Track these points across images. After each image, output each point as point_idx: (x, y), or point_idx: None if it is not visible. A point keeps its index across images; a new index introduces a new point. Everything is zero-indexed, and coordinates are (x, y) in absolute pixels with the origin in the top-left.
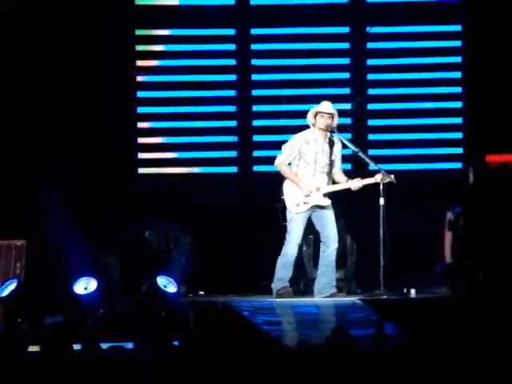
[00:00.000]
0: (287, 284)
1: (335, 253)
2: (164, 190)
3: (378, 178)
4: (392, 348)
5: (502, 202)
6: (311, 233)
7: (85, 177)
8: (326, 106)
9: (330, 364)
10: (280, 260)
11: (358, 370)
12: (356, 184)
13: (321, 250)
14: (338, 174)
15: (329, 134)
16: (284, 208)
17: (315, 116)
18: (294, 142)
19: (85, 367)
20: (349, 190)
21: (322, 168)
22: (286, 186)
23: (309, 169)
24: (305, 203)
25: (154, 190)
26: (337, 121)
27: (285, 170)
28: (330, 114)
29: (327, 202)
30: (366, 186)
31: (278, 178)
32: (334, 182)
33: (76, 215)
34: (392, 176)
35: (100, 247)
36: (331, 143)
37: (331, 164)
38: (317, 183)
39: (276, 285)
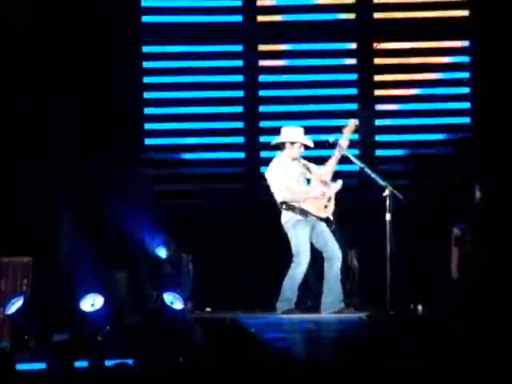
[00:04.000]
0: (293, 306)
1: (339, 267)
2: (170, 204)
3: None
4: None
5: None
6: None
7: (93, 193)
8: (303, 135)
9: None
10: (287, 282)
11: None
12: (344, 145)
13: (325, 265)
14: (324, 167)
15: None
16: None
17: (292, 143)
18: (279, 171)
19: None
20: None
21: (305, 183)
22: (304, 204)
23: (301, 186)
24: (329, 200)
25: (161, 205)
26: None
27: (292, 197)
28: (302, 144)
29: (339, 182)
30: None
31: None
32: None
33: (83, 232)
34: (401, 196)
35: (107, 264)
36: (303, 165)
37: (310, 175)
38: (320, 182)
39: (282, 305)
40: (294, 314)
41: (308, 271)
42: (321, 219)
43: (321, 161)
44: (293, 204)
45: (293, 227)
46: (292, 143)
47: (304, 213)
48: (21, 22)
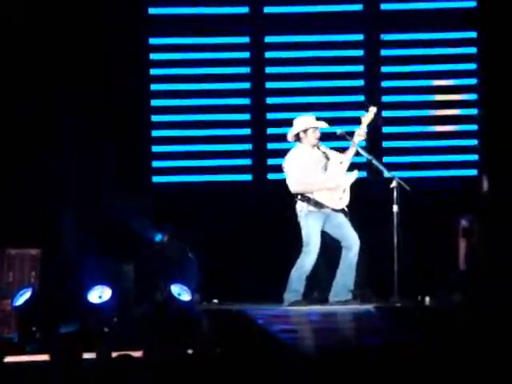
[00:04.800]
0: (300, 297)
1: (357, 255)
2: (177, 198)
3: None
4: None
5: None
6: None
7: (100, 185)
8: (316, 120)
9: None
10: (295, 272)
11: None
12: (362, 132)
13: (343, 253)
14: (340, 157)
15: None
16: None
17: (305, 131)
18: (294, 160)
19: (98, 376)
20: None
21: (322, 172)
22: (318, 195)
23: (315, 177)
24: (344, 191)
25: (167, 198)
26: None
27: (306, 188)
28: (316, 127)
29: (355, 173)
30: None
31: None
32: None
33: (90, 224)
34: (408, 188)
35: (114, 255)
36: (323, 153)
37: (328, 164)
38: (335, 172)
39: (289, 296)
40: (301, 305)
41: (318, 262)
42: (337, 211)
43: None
44: (307, 195)
45: (305, 217)
46: (304, 131)
47: (318, 204)
48: (21, 21)
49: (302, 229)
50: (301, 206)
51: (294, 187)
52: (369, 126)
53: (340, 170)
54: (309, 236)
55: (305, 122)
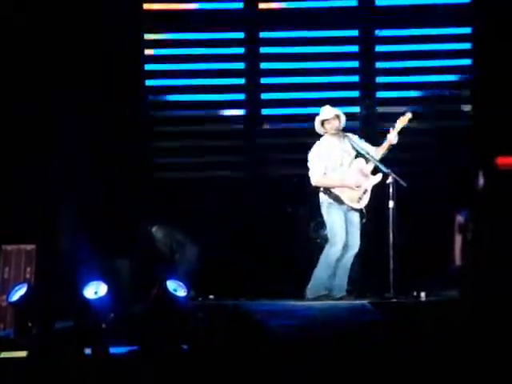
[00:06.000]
0: (325, 291)
1: (351, 259)
2: (175, 193)
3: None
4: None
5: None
6: (317, 236)
7: (96, 180)
8: (327, 112)
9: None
10: (321, 264)
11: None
12: (392, 137)
13: (342, 251)
14: (369, 149)
15: (341, 133)
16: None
17: (322, 124)
18: (318, 153)
19: (94, 371)
20: None
21: (348, 167)
22: (339, 191)
23: (337, 173)
24: (364, 192)
25: (165, 193)
26: (343, 118)
27: (326, 183)
28: (333, 116)
29: (379, 176)
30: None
31: (288, 183)
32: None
33: (86, 220)
34: (404, 183)
35: (110, 251)
36: (347, 140)
37: (357, 158)
38: (359, 171)
39: (313, 290)
40: (325, 300)
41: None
42: (354, 209)
43: None
44: (329, 191)
45: (327, 209)
46: (322, 124)
47: (338, 199)
48: (21, 21)
49: (326, 222)
50: (322, 198)
51: (314, 180)
52: (400, 132)
53: (364, 170)
54: (333, 227)
55: (322, 113)
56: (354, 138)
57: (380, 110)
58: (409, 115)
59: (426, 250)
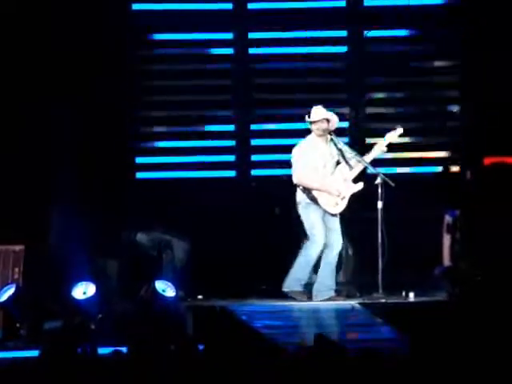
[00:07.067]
0: (301, 288)
1: (337, 257)
2: (162, 194)
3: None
4: (390, 351)
5: (498, 201)
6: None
7: (84, 182)
8: (316, 114)
9: (320, 369)
10: (300, 261)
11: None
12: (379, 148)
13: (324, 253)
14: (353, 160)
15: (329, 136)
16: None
17: (311, 124)
18: (301, 150)
19: (83, 372)
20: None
21: (331, 171)
22: (317, 193)
23: (318, 174)
24: (342, 199)
25: (152, 195)
26: (335, 121)
27: (307, 183)
28: (321, 119)
29: (360, 185)
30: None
31: (275, 182)
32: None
33: (74, 220)
34: (392, 184)
35: (98, 252)
36: (334, 144)
37: (340, 163)
38: (341, 177)
39: (291, 284)
40: (300, 296)
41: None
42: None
43: None
44: (306, 191)
45: (304, 209)
46: (311, 123)
47: (314, 200)
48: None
49: (304, 221)
50: (300, 198)
51: (295, 178)
52: (388, 145)
53: (347, 178)
54: (312, 227)
55: (311, 113)
56: (341, 143)
57: (369, 110)
58: (400, 130)
59: (414, 250)
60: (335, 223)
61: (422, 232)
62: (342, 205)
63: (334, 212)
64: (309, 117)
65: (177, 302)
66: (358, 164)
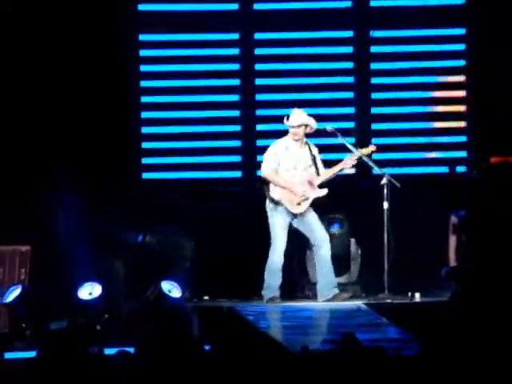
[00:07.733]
0: (277, 293)
1: (329, 251)
2: (168, 195)
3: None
4: (395, 351)
5: (505, 201)
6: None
7: (89, 182)
8: (294, 119)
9: (334, 370)
10: (266, 269)
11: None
12: (348, 162)
13: (314, 252)
14: (322, 169)
15: (305, 139)
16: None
17: (289, 127)
18: (275, 149)
19: (89, 372)
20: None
21: (300, 173)
22: (280, 191)
23: (288, 174)
24: (305, 200)
25: (158, 195)
26: (313, 126)
27: (274, 178)
28: (298, 125)
29: (324, 191)
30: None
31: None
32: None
33: (81, 221)
34: (398, 184)
35: (104, 252)
36: (308, 148)
37: (310, 167)
38: (308, 182)
39: (265, 293)
40: (276, 302)
41: (308, 257)
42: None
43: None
44: (267, 193)
45: (270, 212)
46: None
47: (274, 202)
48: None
49: (269, 225)
50: (267, 200)
51: (264, 172)
52: (359, 160)
53: (313, 181)
54: (273, 232)
55: (290, 117)
56: (315, 149)
57: (374, 111)
58: (372, 148)
59: (420, 250)
60: (312, 221)
61: (428, 233)
62: (304, 206)
63: (295, 212)
64: (287, 120)
65: (183, 302)
66: (325, 173)
